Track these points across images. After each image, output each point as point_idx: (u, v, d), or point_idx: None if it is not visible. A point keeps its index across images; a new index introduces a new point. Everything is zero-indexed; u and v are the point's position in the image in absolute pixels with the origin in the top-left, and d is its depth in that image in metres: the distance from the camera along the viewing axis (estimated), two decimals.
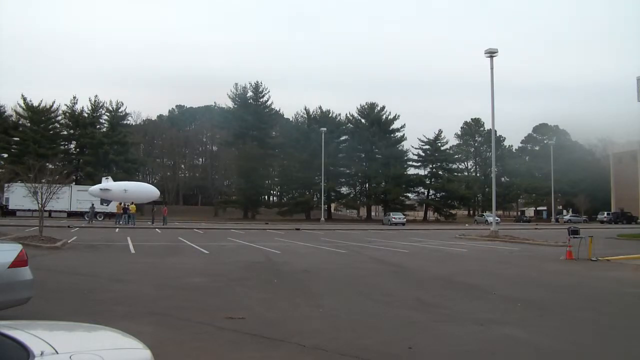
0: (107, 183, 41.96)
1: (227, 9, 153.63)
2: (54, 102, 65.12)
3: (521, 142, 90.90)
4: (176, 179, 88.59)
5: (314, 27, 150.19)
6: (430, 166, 76.99)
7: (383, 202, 72.01)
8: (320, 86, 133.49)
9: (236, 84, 70.95)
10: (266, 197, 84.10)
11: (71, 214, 47.43)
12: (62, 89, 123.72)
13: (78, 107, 66.98)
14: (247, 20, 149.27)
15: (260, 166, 67.76)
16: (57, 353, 2.41)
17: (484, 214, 70.19)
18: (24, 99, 63.21)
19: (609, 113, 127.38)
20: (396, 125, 73.89)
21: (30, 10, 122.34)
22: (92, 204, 41.82)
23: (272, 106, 72.98)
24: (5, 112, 63.41)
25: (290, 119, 79.51)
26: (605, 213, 64.39)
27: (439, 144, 77.06)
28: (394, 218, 53.06)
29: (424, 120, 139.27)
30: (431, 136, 76.88)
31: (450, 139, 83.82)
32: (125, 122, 71.55)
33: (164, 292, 9.30)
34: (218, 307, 7.83)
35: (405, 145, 75.78)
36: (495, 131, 32.98)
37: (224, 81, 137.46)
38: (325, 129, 59.41)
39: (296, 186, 72.85)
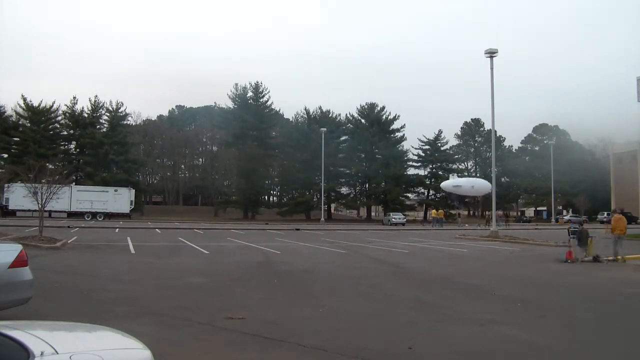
0: (457, 179, 47.67)
1: (227, 9, 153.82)
2: (54, 102, 65.30)
3: (521, 142, 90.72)
4: (176, 179, 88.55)
5: (314, 27, 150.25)
6: (430, 166, 76.91)
7: (383, 203, 71.94)
8: (320, 86, 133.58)
9: (236, 84, 70.96)
10: (266, 197, 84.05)
11: (71, 214, 47.41)
12: (62, 89, 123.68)
13: (78, 107, 67.08)
14: (248, 20, 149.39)
15: (260, 166, 67.71)
16: (57, 353, 2.41)
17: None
18: (24, 99, 63.36)
19: (609, 113, 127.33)
20: (396, 125, 73.94)
21: (31, 10, 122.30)
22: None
23: (272, 106, 72.96)
24: (5, 112, 63.39)
25: (290, 119, 79.47)
26: (605, 213, 64.24)
27: (439, 144, 77.01)
28: (393, 218, 53.05)
29: (424, 120, 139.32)
30: (431, 136, 76.92)
31: (450, 139, 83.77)
32: (125, 122, 71.42)
33: (164, 292, 9.30)
34: (218, 307, 7.82)
35: (405, 145, 75.78)
36: (495, 131, 32.98)
37: (224, 81, 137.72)
38: (325, 129, 59.41)
39: (296, 186, 72.80)
